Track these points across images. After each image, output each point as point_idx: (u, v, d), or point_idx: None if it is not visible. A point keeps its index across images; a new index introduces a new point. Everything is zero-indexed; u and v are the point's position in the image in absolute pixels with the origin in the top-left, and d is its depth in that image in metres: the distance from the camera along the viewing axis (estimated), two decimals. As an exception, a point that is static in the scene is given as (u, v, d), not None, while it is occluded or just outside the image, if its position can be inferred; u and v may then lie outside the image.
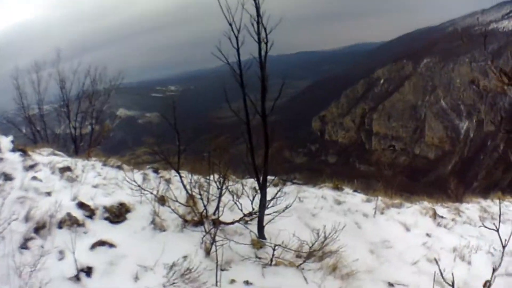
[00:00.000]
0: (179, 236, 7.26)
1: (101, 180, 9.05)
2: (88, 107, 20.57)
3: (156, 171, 11.07)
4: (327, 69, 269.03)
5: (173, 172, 9.93)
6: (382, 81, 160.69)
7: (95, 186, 8.41)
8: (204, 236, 6.93)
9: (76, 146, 19.60)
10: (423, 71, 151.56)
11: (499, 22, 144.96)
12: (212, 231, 6.80)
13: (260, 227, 7.89)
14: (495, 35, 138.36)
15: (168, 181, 10.04)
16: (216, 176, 8.29)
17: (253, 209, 7.95)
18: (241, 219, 7.92)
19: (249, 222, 8.08)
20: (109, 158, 11.64)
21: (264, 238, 7.86)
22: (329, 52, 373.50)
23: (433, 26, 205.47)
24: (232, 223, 7.89)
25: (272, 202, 7.91)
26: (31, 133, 20.17)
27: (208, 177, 8.64)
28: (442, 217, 11.35)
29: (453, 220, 11.35)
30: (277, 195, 8.04)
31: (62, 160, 10.04)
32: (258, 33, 7.29)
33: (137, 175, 9.32)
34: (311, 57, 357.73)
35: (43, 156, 10.11)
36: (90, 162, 10.71)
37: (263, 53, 7.65)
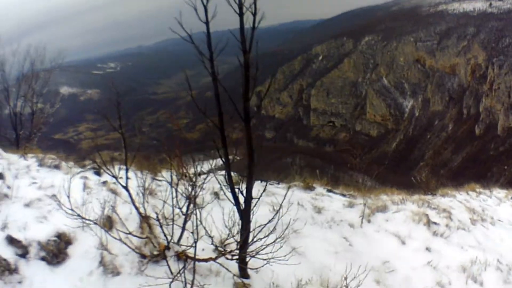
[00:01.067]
0: (137, 281, 5.51)
1: (36, 192, 7.28)
2: (28, 90, 19.26)
3: (98, 172, 9.38)
4: (263, 46, 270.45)
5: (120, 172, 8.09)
6: (320, 57, 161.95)
7: (28, 205, 6.69)
8: (171, 281, 5.26)
9: (17, 135, 18.42)
10: (364, 49, 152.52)
11: (449, 4, 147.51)
12: (182, 273, 5.20)
13: (243, 262, 6.06)
14: (443, 17, 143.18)
15: (114, 192, 8.16)
16: (174, 177, 6.57)
17: (230, 233, 5.83)
18: (219, 256, 5.89)
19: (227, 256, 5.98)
20: (47, 154, 10.16)
21: (248, 277, 6.10)
22: (265, 29, 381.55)
23: (377, 5, 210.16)
24: (206, 260, 5.90)
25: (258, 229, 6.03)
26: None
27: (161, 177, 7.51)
28: (435, 223, 10.04)
29: (447, 225, 10.10)
30: (270, 221, 6.18)
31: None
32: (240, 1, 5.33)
33: (77, 182, 8.02)
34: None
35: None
36: (25, 162, 9.20)
37: (247, 28, 5.72)
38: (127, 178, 6.26)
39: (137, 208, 6.31)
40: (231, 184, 6.06)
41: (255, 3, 5.30)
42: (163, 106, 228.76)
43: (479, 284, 7.72)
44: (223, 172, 7.19)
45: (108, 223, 6.28)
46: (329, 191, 11.77)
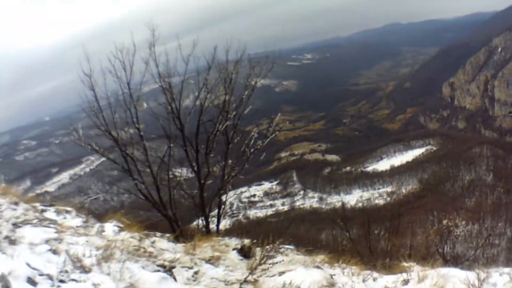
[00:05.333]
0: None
1: None
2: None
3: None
4: (451, 37, 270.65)
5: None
6: (500, 49, 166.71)
7: None
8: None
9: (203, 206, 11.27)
10: None
11: None
12: None
13: None
14: None
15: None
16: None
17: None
18: None
19: None
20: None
21: None
22: (451, 20, 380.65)
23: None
24: None
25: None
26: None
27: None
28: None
29: None
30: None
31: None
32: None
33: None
34: (435, 25, 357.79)
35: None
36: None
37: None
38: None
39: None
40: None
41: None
42: (364, 97, 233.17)
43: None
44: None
45: None
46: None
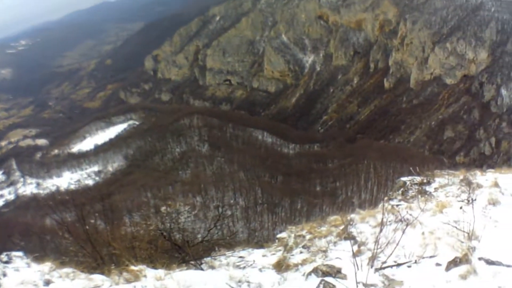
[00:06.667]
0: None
1: None
2: None
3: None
4: (161, 10, 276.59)
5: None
6: (218, 18, 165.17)
7: None
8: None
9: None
10: (263, 7, 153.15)
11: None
12: None
13: None
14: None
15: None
16: None
17: None
18: None
19: None
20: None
21: None
22: None
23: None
24: None
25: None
26: None
27: None
28: None
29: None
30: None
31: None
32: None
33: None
34: (145, 0, 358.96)
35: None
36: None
37: None
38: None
39: None
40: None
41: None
42: (67, 78, 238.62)
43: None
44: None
45: None
46: None
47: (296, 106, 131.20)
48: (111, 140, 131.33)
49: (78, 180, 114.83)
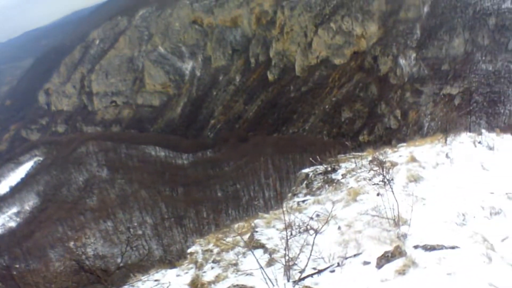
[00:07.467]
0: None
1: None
2: None
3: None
4: (47, 43, 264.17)
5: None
6: (97, 41, 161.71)
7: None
8: None
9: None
10: (139, 23, 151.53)
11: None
12: None
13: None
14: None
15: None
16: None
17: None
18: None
19: None
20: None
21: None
22: (48, 26, 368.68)
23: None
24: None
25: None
26: None
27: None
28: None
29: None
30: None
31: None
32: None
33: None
34: (33, 35, 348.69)
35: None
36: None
37: None
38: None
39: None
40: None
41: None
42: None
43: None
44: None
45: None
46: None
47: (182, 116, 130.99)
48: (22, 179, 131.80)
49: (3, 224, 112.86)
